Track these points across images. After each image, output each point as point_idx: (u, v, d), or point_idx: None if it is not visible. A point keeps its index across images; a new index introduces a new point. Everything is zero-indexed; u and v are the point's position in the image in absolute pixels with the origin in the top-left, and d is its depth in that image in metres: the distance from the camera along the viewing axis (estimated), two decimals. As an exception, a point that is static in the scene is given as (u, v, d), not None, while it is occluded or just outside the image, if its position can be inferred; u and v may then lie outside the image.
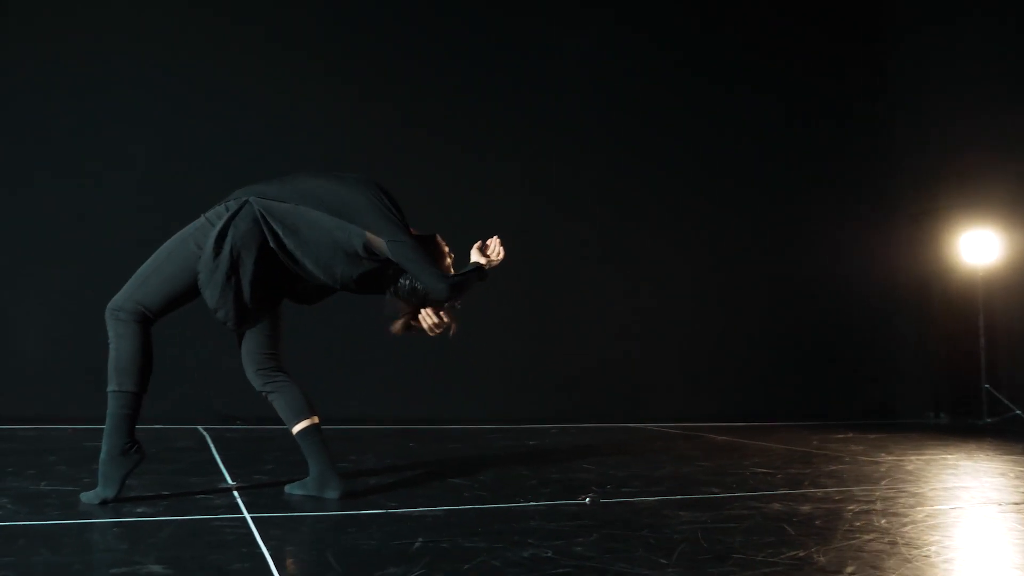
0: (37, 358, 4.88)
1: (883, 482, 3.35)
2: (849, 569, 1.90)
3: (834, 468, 3.79)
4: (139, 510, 2.40)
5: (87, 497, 2.48)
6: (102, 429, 2.48)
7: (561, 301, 6.27)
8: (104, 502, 2.45)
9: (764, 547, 2.10)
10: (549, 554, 1.97)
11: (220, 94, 5.34)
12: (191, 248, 2.56)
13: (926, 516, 2.61)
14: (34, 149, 4.97)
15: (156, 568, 1.78)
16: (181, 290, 2.57)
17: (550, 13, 6.38)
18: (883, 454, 4.35)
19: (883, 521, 2.49)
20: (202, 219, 2.61)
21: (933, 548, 2.15)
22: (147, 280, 2.56)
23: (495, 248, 2.78)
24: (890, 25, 7.46)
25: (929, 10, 7.28)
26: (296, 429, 2.71)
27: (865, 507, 2.73)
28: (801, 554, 2.03)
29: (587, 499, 2.74)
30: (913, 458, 4.19)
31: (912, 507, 2.76)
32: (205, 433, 4.51)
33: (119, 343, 2.53)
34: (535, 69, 6.27)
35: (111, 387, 2.51)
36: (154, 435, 4.27)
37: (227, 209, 2.59)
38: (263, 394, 2.76)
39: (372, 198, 2.61)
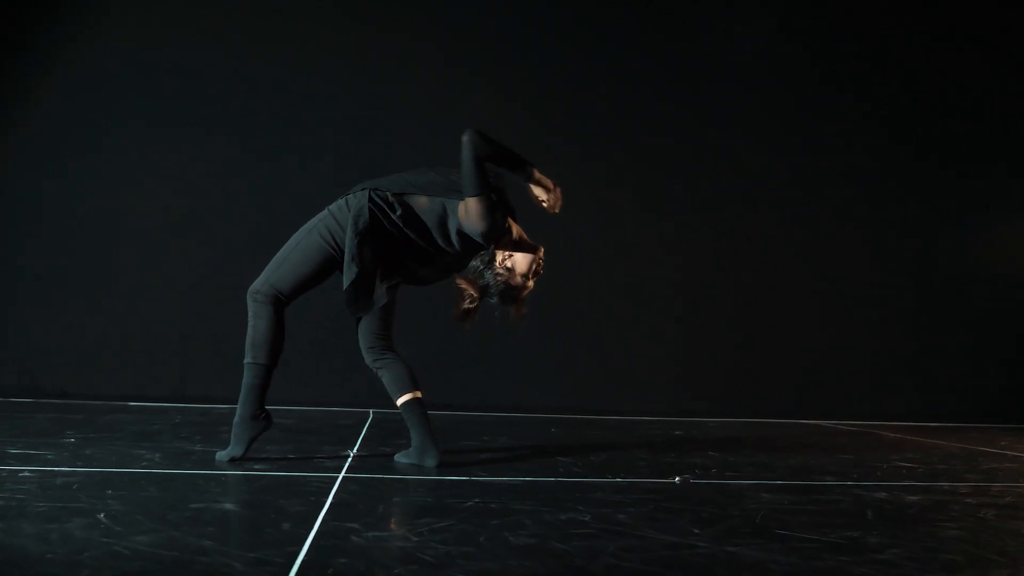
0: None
1: (1017, 483, 3.01)
2: (893, 550, 1.78)
3: (995, 466, 3.45)
4: (257, 466, 2.71)
5: (220, 455, 2.83)
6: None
7: (740, 295, 6.09)
8: (233, 459, 2.79)
9: (821, 527, 2.01)
10: (586, 519, 2.01)
11: (354, 91, 5.69)
12: (315, 238, 2.85)
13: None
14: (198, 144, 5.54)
15: (228, 506, 2.03)
16: (308, 276, 2.86)
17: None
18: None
19: (991, 514, 2.28)
20: (326, 211, 2.90)
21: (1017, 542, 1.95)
22: (280, 266, 2.87)
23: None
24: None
25: None
26: (400, 402, 2.92)
27: (986, 501, 2.49)
28: (855, 535, 1.93)
29: (677, 479, 2.72)
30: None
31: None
32: (372, 415, 4.87)
33: (256, 322, 2.85)
34: (704, 63, 6.15)
35: (247, 359, 2.85)
36: (327, 415, 4.71)
37: (347, 203, 2.85)
38: (374, 370, 3.00)
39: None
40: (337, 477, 2.54)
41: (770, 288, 6.13)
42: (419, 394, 2.93)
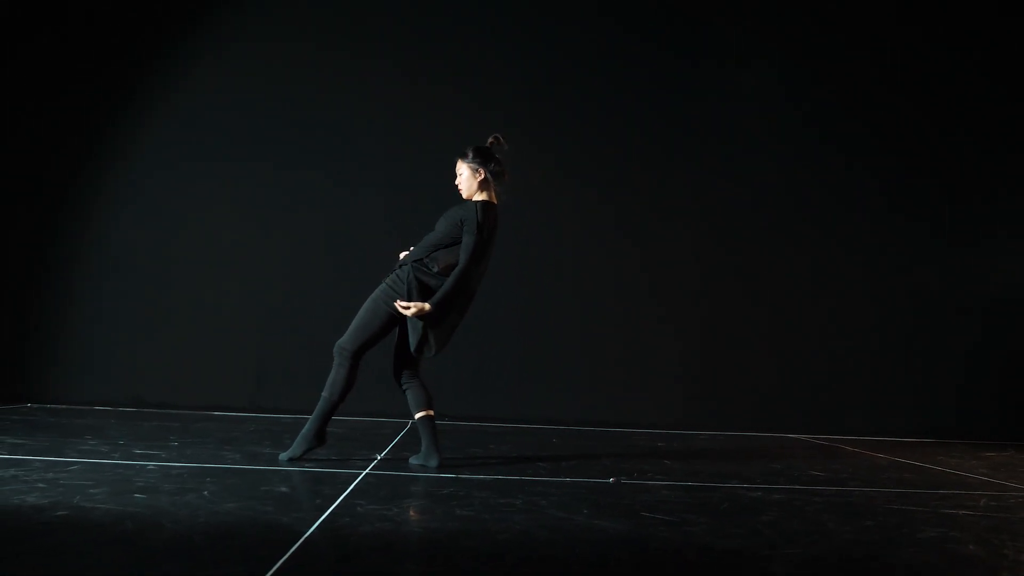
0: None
1: (913, 491, 3.86)
2: (704, 526, 2.73)
3: (891, 476, 4.30)
4: (307, 465, 3.77)
5: (282, 455, 3.90)
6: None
7: (739, 316, 6.95)
8: (291, 459, 3.84)
9: (675, 512, 2.96)
10: (517, 503, 3.01)
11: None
12: (380, 306, 3.86)
13: (866, 518, 3.23)
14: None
15: (284, 489, 3.09)
16: (377, 333, 3.89)
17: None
18: (983, 472, 4.65)
19: (811, 510, 3.18)
20: (384, 284, 3.90)
21: (779, 538, 2.86)
22: (357, 328, 3.87)
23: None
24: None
25: None
26: (416, 416, 3.93)
27: (827, 500, 3.39)
28: (690, 517, 2.88)
29: (611, 479, 3.68)
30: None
31: (867, 509, 3.37)
32: (410, 425, 5.91)
33: (339, 369, 3.84)
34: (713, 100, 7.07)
35: (324, 393, 3.85)
36: (374, 424, 5.77)
37: (399, 277, 3.85)
38: (401, 389, 3.99)
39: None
40: (361, 473, 3.58)
41: (766, 308, 6.99)
42: (431, 412, 3.93)
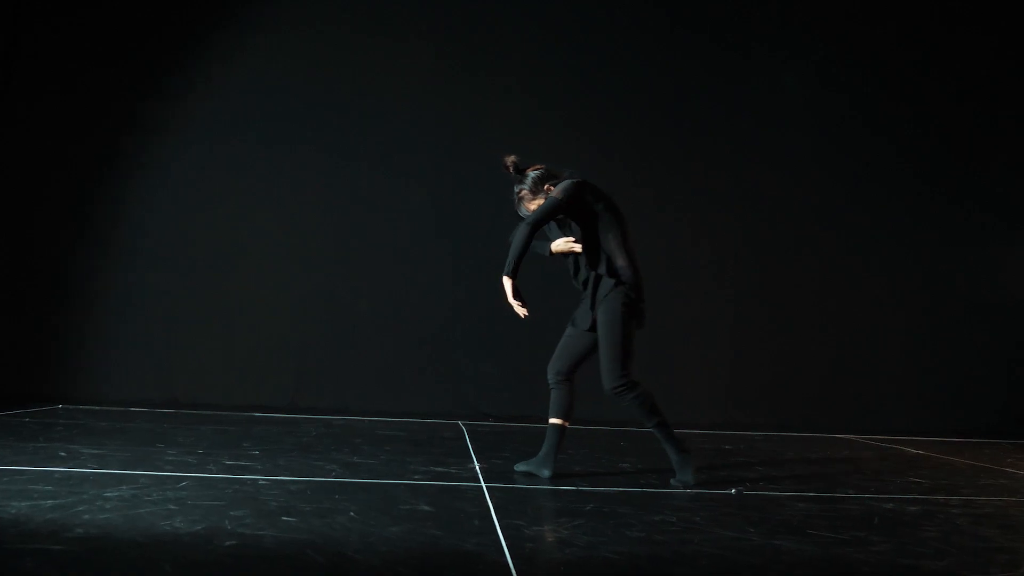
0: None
1: (1000, 497, 3.82)
2: (884, 545, 2.64)
3: (990, 483, 4.26)
4: (416, 476, 3.62)
5: (676, 482, 3.66)
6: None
7: (782, 318, 6.92)
8: (689, 485, 3.61)
9: (838, 528, 2.87)
10: (673, 520, 2.90)
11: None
12: (621, 321, 3.63)
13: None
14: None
15: (426, 507, 2.94)
16: (581, 355, 3.79)
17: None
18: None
19: (966, 522, 3.11)
20: (613, 295, 3.66)
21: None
22: (612, 357, 3.60)
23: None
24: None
25: None
26: (551, 421, 3.78)
27: (967, 511, 3.33)
28: (861, 534, 2.79)
29: (733, 490, 3.59)
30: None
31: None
32: (463, 427, 5.78)
33: (638, 400, 3.59)
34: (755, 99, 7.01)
35: (653, 423, 3.62)
36: (428, 427, 5.63)
37: (624, 290, 3.66)
38: (550, 385, 3.80)
39: None
40: (481, 485, 3.44)
41: (809, 311, 6.95)
42: (567, 424, 3.78)
